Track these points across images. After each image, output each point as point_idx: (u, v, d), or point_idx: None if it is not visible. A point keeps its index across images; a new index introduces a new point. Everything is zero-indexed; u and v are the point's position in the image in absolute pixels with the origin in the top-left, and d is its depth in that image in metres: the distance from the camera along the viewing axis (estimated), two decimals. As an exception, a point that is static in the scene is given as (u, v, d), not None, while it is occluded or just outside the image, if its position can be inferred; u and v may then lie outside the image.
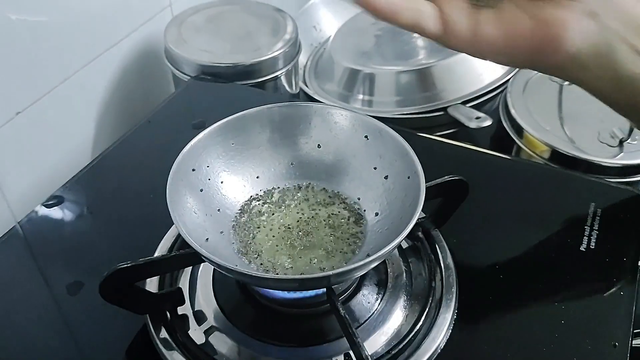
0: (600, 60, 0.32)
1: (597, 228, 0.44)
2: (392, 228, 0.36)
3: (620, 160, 0.57)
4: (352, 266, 0.31)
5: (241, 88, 0.60)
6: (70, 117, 0.61)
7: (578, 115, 0.63)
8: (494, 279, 0.41)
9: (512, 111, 0.62)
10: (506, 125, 0.63)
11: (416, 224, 0.42)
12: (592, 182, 0.49)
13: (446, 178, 0.39)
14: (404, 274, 0.41)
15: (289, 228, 0.37)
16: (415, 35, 0.79)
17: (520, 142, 0.61)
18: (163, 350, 0.37)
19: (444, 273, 0.40)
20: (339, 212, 0.39)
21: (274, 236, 0.37)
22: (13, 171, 0.55)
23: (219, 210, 0.38)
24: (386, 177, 0.38)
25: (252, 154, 0.40)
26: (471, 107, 0.66)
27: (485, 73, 0.68)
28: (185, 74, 0.62)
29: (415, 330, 0.36)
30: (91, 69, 0.61)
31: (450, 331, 0.37)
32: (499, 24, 0.33)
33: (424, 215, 0.42)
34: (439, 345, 0.36)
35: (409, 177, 0.36)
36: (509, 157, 0.53)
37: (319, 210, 0.39)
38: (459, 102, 0.66)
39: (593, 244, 0.43)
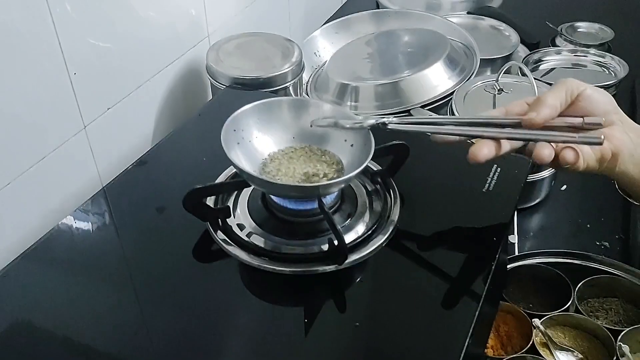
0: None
1: (495, 179, 0.68)
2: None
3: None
4: (332, 182, 0.55)
5: (261, 94, 0.85)
6: (141, 112, 0.85)
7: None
8: (424, 207, 0.65)
9: (456, 114, 0.87)
10: (452, 122, 0.87)
11: (377, 172, 0.66)
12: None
13: (394, 142, 0.63)
14: (367, 204, 0.64)
15: (295, 167, 0.61)
16: (389, 57, 1.04)
17: (461, 134, 0.85)
18: (223, 245, 0.59)
19: (392, 202, 0.63)
20: (326, 160, 0.63)
21: (286, 171, 0.61)
22: (103, 150, 0.80)
23: (252, 156, 0.62)
24: (352, 145, 0.62)
25: (272, 126, 0.64)
26: (428, 109, 0.90)
27: (440, 86, 0.93)
28: (221, 84, 0.87)
29: (371, 231, 0.60)
30: (155, 80, 0.86)
31: (393, 234, 0.60)
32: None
33: (381, 167, 0.66)
34: (384, 240, 0.59)
35: (365, 144, 0.60)
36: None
37: (314, 159, 0.63)
38: (419, 106, 0.91)
39: (491, 188, 0.66)
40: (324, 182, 0.58)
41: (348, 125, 0.62)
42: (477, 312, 0.54)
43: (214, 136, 0.61)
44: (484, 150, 0.57)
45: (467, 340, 0.51)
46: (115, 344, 0.53)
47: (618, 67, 1.07)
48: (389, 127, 0.62)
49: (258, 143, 0.63)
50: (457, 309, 0.55)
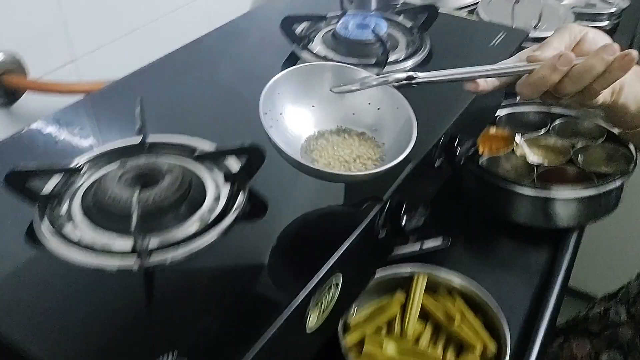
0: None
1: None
2: (395, 147, 0.58)
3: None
4: (380, 169, 0.54)
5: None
6: (199, 22, 1.10)
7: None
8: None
9: (481, 14, 1.13)
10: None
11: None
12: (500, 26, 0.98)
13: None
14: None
15: (336, 151, 0.59)
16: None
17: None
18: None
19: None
20: (363, 141, 0.61)
21: (323, 153, 0.59)
22: (157, 43, 0.94)
23: (288, 135, 0.59)
24: (378, 109, 0.62)
25: (309, 92, 0.61)
26: (462, 10, 1.17)
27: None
28: None
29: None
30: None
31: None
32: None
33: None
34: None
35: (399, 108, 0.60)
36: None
37: (349, 138, 0.61)
38: (454, 9, 1.18)
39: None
40: (373, 170, 0.57)
41: (375, 83, 0.60)
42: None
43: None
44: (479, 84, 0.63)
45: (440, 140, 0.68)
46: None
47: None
48: (415, 81, 0.60)
49: (291, 116, 0.61)
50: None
